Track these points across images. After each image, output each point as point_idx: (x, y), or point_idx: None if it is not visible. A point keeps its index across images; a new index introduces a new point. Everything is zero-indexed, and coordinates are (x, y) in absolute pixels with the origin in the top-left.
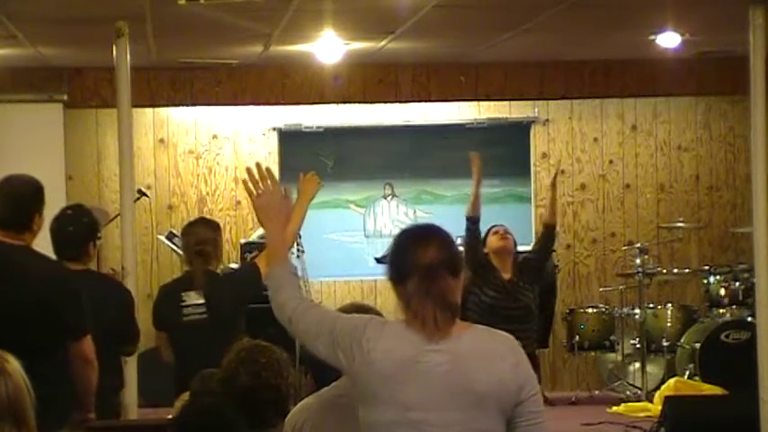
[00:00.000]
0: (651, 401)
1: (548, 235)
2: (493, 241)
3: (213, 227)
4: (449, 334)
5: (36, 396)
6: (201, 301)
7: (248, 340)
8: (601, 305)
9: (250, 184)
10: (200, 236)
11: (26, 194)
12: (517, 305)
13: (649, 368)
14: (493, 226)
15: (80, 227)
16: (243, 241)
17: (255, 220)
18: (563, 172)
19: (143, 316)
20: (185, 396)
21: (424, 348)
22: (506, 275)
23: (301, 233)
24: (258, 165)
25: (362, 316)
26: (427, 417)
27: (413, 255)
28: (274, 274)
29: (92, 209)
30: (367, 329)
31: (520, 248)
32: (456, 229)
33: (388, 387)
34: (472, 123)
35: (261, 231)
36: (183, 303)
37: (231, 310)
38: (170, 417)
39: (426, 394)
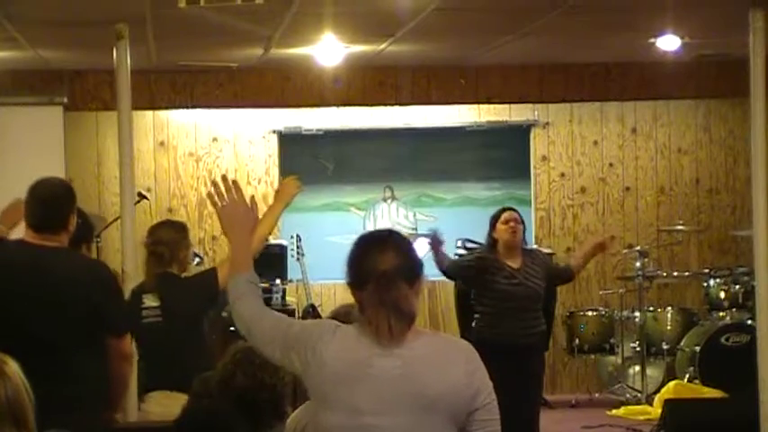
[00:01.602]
0: (651, 404)
1: (565, 278)
2: (502, 232)
3: (177, 228)
4: (403, 340)
5: (68, 393)
6: (157, 303)
7: (242, 342)
8: (601, 308)
9: (215, 196)
10: (157, 236)
11: (59, 197)
12: (528, 293)
13: (649, 371)
14: (504, 209)
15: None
16: None
17: None
18: (562, 175)
19: None
20: (151, 396)
21: (377, 353)
22: (514, 264)
23: (301, 236)
24: (224, 177)
25: (318, 321)
26: (378, 421)
27: (369, 261)
28: (235, 284)
29: (89, 215)
30: (322, 333)
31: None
32: (456, 231)
33: (339, 390)
34: (472, 126)
35: None
36: (143, 306)
37: (186, 314)
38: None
39: (377, 398)
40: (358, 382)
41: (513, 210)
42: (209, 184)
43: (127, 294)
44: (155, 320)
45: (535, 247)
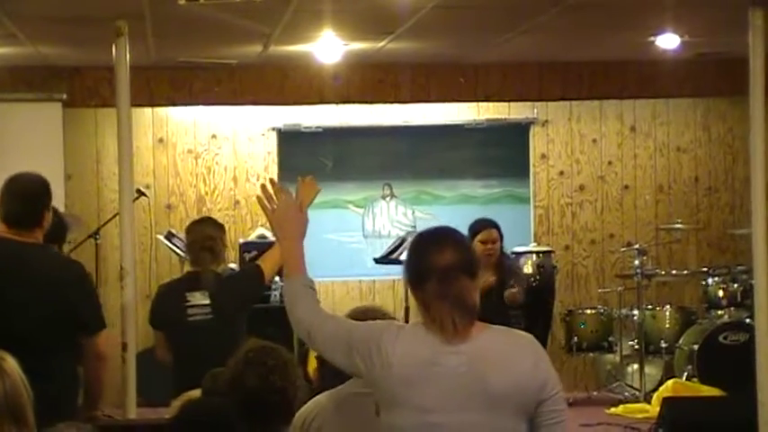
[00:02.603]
0: (649, 403)
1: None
2: (478, 251)
3: (219, 227)
4: (467, 336)
5: (46, 392)
6: (207, 301)
7: (256, 341)
8: (599, 306)
9: (265, 201)
10: (208, 233)
11: (35, 192)
12: (497, 310)
13: (647, 369)
14: (482, 227)
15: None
16: (241, 241)
17: (254, 220)
18: (561, 173)
19: (141, 315)
20: (187, 395)
21: (442, 350)
22: (489, 279)
23: None
24: (272, 180)
25: (379, 322)
26: (445, 419)
27: (430, 258)
28: (291, 288)
29: (64, 215)
30: (384, 335)
31: (518, 249)
32: (456, 226)
33: (407, 390)
34: (471, 124)
35: (259, 231)
36: (188, 303)
37: (234, 311)
38: (168, 417)
39: (445, 396)
40: (426, 381)
41: (492, 226)
42: (208, 181)
43: (128, 291)
44: (203, 318)
45: (529, 248)
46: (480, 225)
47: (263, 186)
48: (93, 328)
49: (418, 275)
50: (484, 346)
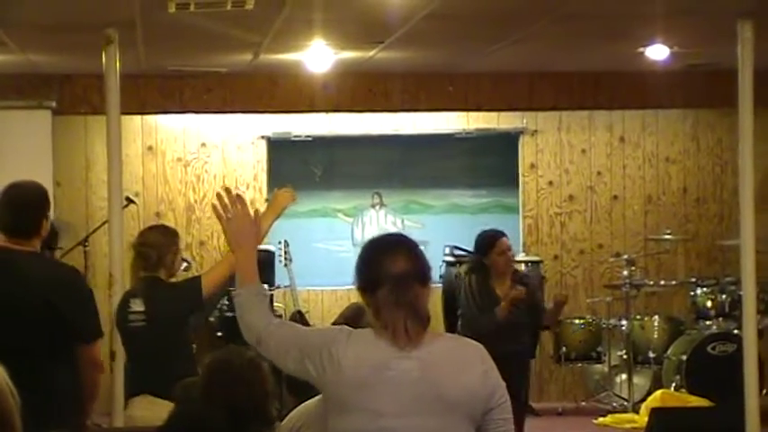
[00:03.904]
0: (637, 413)
1: (539, 323)
2: (500, 263)
3: (166, 233)
4: (419, 342)
5: (40, 399)
6: (142, 308)
7: (219, 352)
8: (588, 316)
9: (220, 209)
10: (144, 239)
11: (33, 201)
12: (515, 312)
13: (636, 379)
14: (497, 236)
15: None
16: None
17: None
18: (550, 183)
19: None
20: (134, 402)
21: (394, 356)
22: (501, 292)
23: (289, 241)
24: (228, 189)
25: (330, 328)
26: (397, 423)
27: (383, 265)
28: (243, 296)
29: (54, 221)
30: (335, 340)
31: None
32: (444, 238)
33: (359, 394)
34: (461, 133)
35: None
36: (129, 309)
37: (170, 319)
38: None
39: (396, 401)
40: (377, 386)
41: (502, 235)
42: (197, 189)
43: (116, 299)
44: (139, 325)
45: (528, 258)
46: (492, 238)
47: (219, 195)
48: (89, 336)
49: (371, 282)
50: (435, 352)
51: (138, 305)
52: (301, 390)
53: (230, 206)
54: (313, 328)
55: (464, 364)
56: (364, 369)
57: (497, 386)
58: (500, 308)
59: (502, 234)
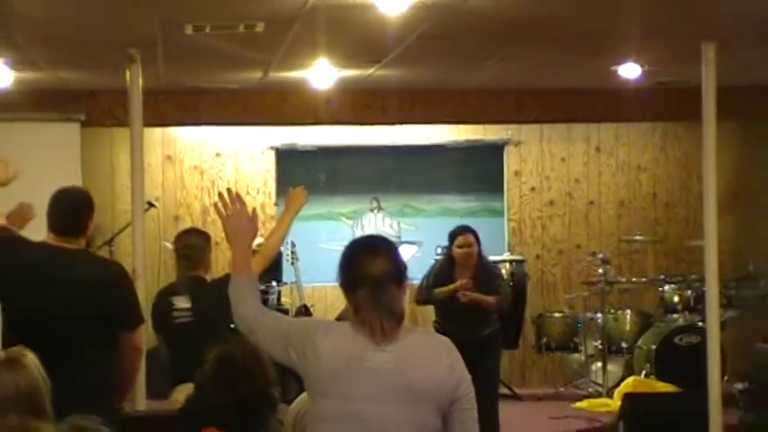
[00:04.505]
0: (611, 398)
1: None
2: (458, 255)
3: (203, 236)
4: (394, 337)
5: (90, 379)
6: (188, 305)
7: (220, 348)
8: (566, 310)
9: (220, 206)
10: (188, 242)
11: (80, 204)
12: (468, 304)
13: (610, 367)
14: (459, 231)
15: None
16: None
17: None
18: (532, 189)
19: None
20: (178, 388)
21: (371, 349)
22: (464, 279)
23: (296, 242)
24: (228, 189)
25: (313, 320)
26: (369, 410)
27: (363, 266)
28: (237, 287)
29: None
30: (317, 331)
31: (493, 258)
32: (436, 239)
33: (335, 382)
34: (451, 144)
35: (258, 240)
36: (174, 307)
37: (214, 313)
38: (173, 409)
39: (370, 390)
40: (353, 375)
41: (469, 231)
42: (212, 194)
43: (139, 293)
44: (186, 320)
45: (503, 257)
46: (457, 231)
47: (221, 194)
48: (132, 323)
49: (352, 282)
50: (408, 347)
51: (182, 302)
52: None
53: (230, 204)
54: (297, 320)
55: (433, 358)
56: (342, 360)
57: (462, 378)
58: (440, 291)
59: (465, 230)
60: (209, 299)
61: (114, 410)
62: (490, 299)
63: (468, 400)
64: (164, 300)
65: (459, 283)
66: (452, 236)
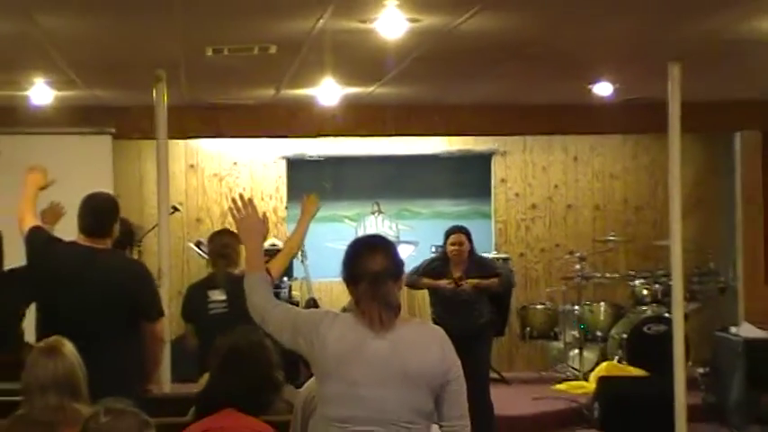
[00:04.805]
0: (587, 381)
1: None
2: (449, 252)
3: (234, 236)
4: (391, 327)
5: (117, 365)
6: (223, 297)
7: (223, 340)
8: (547, 303)
9: (234, 210)
10: (224, 241)
11: (107, 208)
12: (464, 296)
13: (586, 354)
14: (451, 231)
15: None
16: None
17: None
18: (516, 195)
19: (175, 309)
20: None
21: (370, 337)
22: (457, 273)
23: (306, 243)
24: (241, 195)
25: (319, 310)
26: (369, 392)
27: (363, 263)
28: (251, 281)
29: (132, 224)
30: (323, 321)
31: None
32: (431, 239)
33: (339, 366)
34: (444, 154)
35: (271, 240)
36: (209, 300)
37: (246, 305)
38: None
39: (370, 374)
40: (354, 360)
41: (461, 231)
42: (229, 200)
43: (164, 287)
44: (221, 311)
45: (491, 255)
46: (450, 231)
47: (234, 200)
48: (154, 314)
49: (353, 277)
50: (404, 335)
51: (218, 295)
52: None
53: (242, 208)
54: (304, 310)
55: (426, 345)
56: (345, 346)
57: (452, 363)
58: (427, 281)
59: (457, 230)
60: (242, 292)
61: (141, 393)
62: (492, 280)
63: (458, 382)
64: (199, 292)
65: (445, 281)
66: (446, 235)
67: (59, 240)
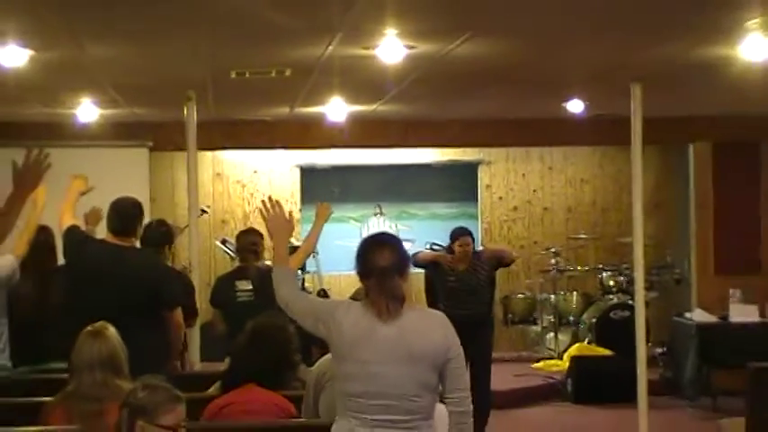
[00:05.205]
0: (561, 360)
1: (504, 263)
2: (457, 251)
3: (259, 234)
4: (398, 315)
5: (143, 347)
6: (250, 287)
7: (253, 323)
8: (527, 292)
9: (264, 210)
10: (251, 239)
11: (131, 212)
12: (469, 287)
13: (560, 336)
14: (460, 233)
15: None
16: None
17: None
18: (500, 198)
19: (204, 298)
20: None
21: (379, 324)
22: (462, 268)
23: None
24: (270, 197)
25: (336, 300)
26: (380, 369)
27: (373, 258)
28: (279, 274)
29: (171, 225)
30: (338, 309)
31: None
32: (426, 236)
33: (353, 349)
34: (438, 163)
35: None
36: (237, 289)
37: (271, 294)
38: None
39: (380, 355)
40: (366, 344)
41: (467, 233)
42: (251, 204)
43: (195, 280)
44: (247, 299)
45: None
46: (459, 233)
47: (263, 202)
48: (172, 304)
49: (365, 271)
50: (409, 321)
51: (245, 285)
52: (324, 344)
53: (271, 209)
54: (324, 300)
55: (428, 329)
56: (358, 331)
57: (453, 344)
58: (424, 254)
59: (465, 233)
60: (268, 282)
61: (169, 370)
62: (506, 248)
63: (458, 360)
64: (228, 283)
65: (443, 255)
66: (455, 236)
67: (92, 238)
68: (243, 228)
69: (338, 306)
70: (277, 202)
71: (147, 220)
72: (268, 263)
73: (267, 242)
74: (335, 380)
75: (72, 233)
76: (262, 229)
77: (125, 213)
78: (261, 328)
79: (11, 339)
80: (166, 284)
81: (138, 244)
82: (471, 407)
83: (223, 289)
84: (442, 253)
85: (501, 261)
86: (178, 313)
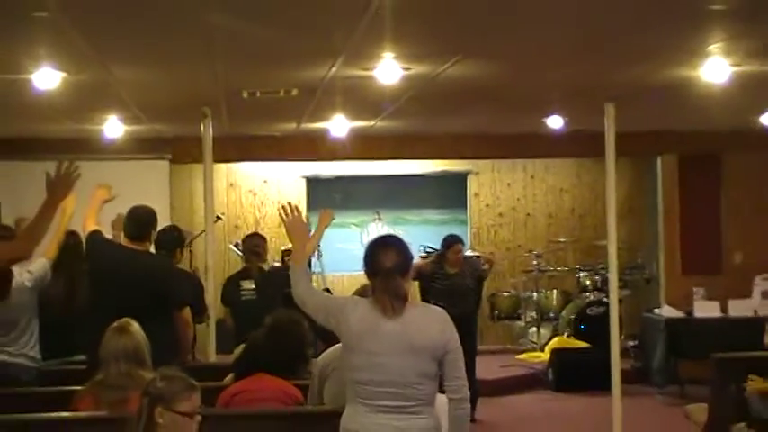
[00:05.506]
0: (543, 352)
1: (484, 277)
2: (452, 258)
3: (262, 238)
4: (401, 312)
5: (156, 342)
6: (253, 286)
7: (271, 318)
8: (511, 290)
9: (283, 214)
10: (255, 242)
11: (146, 218)
12: (460, 289)
13: (542, 331)
14: (454, 241)
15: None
16: (283, 248)
17: None
18: (487, 205)
19: (218, 297)
20: (240, 347)
21: (383, 319)
22: (452, 271)
23: (320, 244)
24: (289, 203)
25: (345, 297)
26: (385, 360)
27: (379, 259)
28: (296, 272)
29: (183, 230)
30: (347, 304)
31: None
32: (420, 240)
33: (360, 341)
34: (431, 174)
35: None
36: (241, 288)
37: (272, 293)
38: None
39: (385, 347)
40: (372, 337)
41: (459, 241)
42: (262, 211)
43: (210, 281)
44: (251, 298)
45: (474, 254)
46: (452, 240)
47: (283, 207)
48: (180, 303)
49: (371, 271)
50: (411, 317)
51: (249, 284)
52: (329, 338)
53: (290, 213)
54: (334, 297)
55: (429, 324)
56: (364, 325)
57: (451, 337)
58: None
59: (458, 241)
60: (270, 282)
61: (182, 362)
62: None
63: (456, 352)
64: (234, 282)
65: (419, 263)
66: (448, 243)
67: (110, 242)
68: (253, 231)
69: (347, 302)
70: (296, 207)
71: (162, 225)
72: (277, 264)
73: (269, 244)
74: (345, 369)
75: (93, 238)
76: (266, 233)
77: (139, 220)
78: (279, 323)
79: (40, 336)
80: (175, 286)
81: (152, 248)
82: (468, 393)
83: (230, 288)
84: (417, 262)
85: (482, 276)
86: (186, 312)
